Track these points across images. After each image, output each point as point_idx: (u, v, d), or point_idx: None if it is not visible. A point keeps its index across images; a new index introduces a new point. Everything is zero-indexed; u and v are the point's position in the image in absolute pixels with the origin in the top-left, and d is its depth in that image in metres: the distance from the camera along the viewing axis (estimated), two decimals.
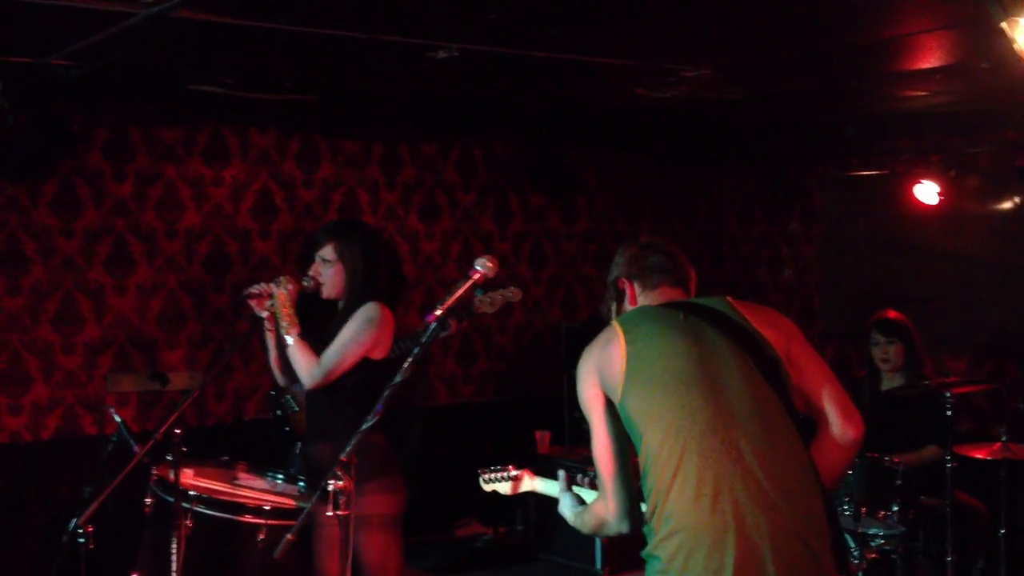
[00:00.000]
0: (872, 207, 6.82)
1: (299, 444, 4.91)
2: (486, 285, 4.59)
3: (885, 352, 5.36)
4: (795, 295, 7.38)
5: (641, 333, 2.68)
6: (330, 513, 2.82)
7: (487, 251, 7.33)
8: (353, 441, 2.94)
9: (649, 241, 2.98)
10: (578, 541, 5.72)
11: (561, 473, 3.01)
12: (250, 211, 6.39)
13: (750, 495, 2.50)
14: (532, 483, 3.27)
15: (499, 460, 3.40)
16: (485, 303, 4.71)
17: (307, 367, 3.85)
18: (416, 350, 2.93)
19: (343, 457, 2.92)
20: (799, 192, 7.22)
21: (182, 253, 6.13)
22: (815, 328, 7.22)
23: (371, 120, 6.57)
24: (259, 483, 4.21)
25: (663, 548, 2.54)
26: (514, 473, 3.32)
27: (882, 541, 4.80)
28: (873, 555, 4.81)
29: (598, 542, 5.95)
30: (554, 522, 6.19)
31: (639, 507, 2.66)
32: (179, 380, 5.98)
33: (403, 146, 7.02)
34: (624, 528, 2.66)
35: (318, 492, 2.91)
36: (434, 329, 2.93)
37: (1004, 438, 4.83)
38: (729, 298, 2.80)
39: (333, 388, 3.90)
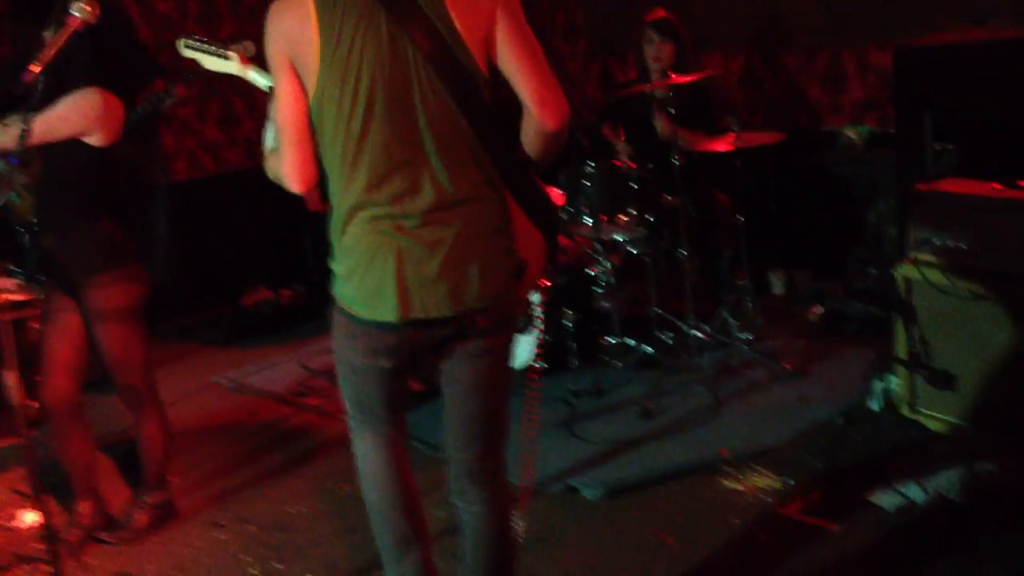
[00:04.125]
0: None
1: (27, 236, 4.63)
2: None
3: (659, 51, 5.25)
4: (558, 9, 7.18)
5: (335, 27, 2.38)
6: None
7: (233, 9, 6.90)
8: None
9: None
10: None
11: None
12: None
13: (425, 213, 2.43)
14: (246, 72, 3.10)
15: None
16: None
17: None
18: (28, 114, 2.66)
19: None
20: None
21: None
22: (580, 46, 7.10)
23: None
24: None
25: (342, 263, 2.49)
26: (229, 53, 3.11)
27: (627, 246, 4.88)
28: (621, 260, 4.91)
29: None
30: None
31: (314, 173, 2.51)
32: None
33: None
34: (296, 190, 2.51)
35: None
36: (34, 88, 2.65)
37: (736, 128, 4.86)
38: None
39: (57, 176, 3.60)
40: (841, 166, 5.74)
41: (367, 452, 2.72)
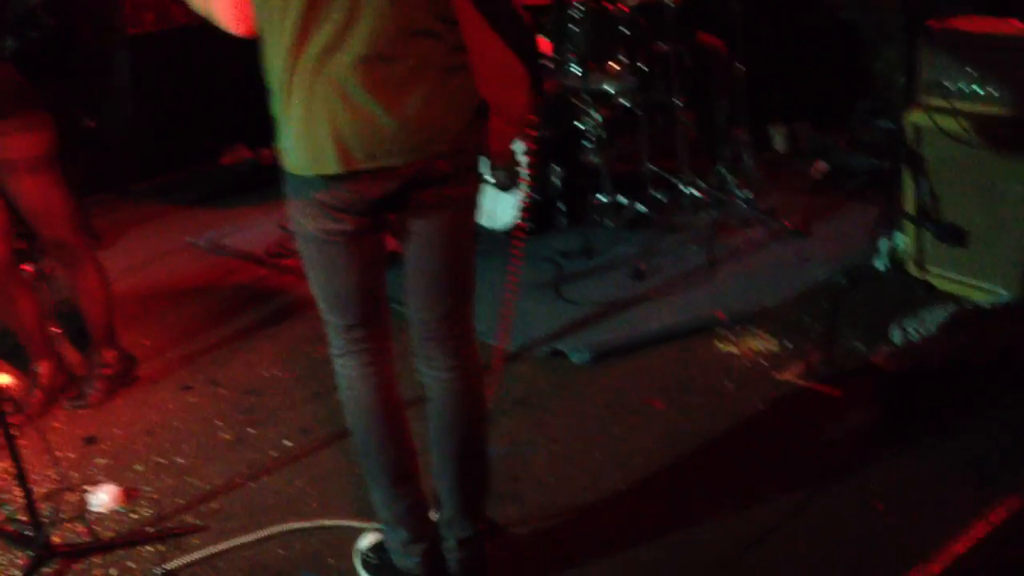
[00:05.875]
0: None
1: None
2: None
3: None
4: None
5: None
6: None
7: None
8: None
9: None
10: None
11: None
12: None
13: (365, 55, 2.15)
14: None
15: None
16: None
17: None
18: None
19: None
20: None
21: None
22: None
23: None
24: None
25: (282, 115, 2.23)
26: None
27: (618, 97, 4.59)
28: (612, 113, 4.62)
29: None
30: None
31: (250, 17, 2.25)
32: None
33: None
34: (236, 31, 2.23)
35: None
36: None
37: None
38: None
39: None
40: (847, 10, 5.40)
41: (352, 382, 2.47)
